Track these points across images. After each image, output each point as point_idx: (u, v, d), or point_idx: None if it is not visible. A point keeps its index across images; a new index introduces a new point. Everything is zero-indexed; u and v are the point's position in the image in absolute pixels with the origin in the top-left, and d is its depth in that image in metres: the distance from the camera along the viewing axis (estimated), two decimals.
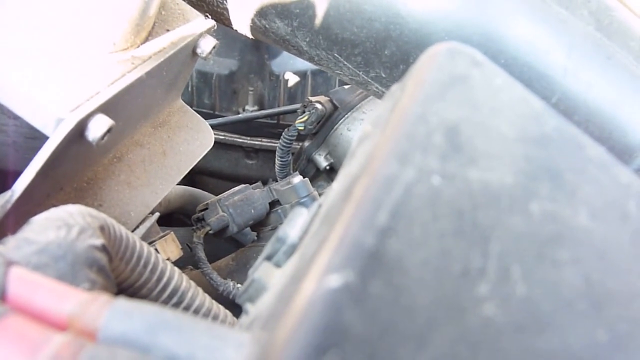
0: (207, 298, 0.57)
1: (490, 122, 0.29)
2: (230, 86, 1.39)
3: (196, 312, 0.54)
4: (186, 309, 0.53)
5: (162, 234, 0.84)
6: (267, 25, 0.75)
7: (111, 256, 0.46)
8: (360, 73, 0.72)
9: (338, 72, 0.75)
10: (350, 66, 0.72)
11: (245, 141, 1.42)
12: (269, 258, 0.38)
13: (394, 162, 0.24)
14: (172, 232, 0.86)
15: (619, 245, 0.28)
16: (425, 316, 0.21)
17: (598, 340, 0.24)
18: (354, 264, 0.21)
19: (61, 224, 0.42)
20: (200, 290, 0.57)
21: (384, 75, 0.70)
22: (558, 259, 0.25)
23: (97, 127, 0.56)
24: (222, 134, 1.41)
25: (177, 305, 0.53)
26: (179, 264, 0.91)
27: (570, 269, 0.25)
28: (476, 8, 0.63)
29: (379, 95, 0.76)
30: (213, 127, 1.31)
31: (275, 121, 1.41)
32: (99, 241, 0.43)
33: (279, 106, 1.40)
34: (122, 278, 0.49)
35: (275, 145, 1.26)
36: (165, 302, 0.52)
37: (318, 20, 0.69)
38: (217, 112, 1.42)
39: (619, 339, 0.24)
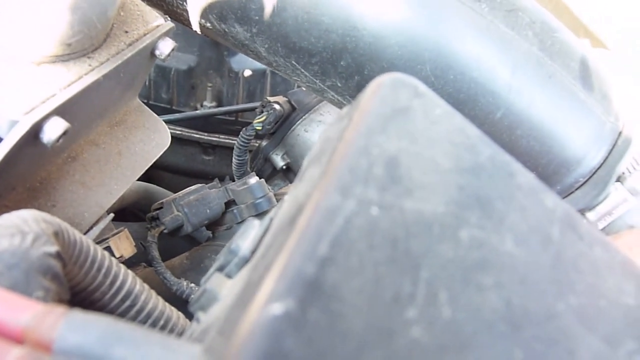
0: (160, 300, 0.58)
1: (428, 153, 0.31)
2: (189, 81, 1.39)
3: (149, 314, 0.55)
4: (139, 312, 0.55)
5: (115, 230, 0.84)
6: (226, 30, 0.76)
7: (65, 262, 0.46)
8: (317, 81, 0.74)
9: (296, 78, 0.77)
10: (307, 74, 0.74)
11: (203, 137, 1.43)
12: (220, 269, 0.40)
13: (336, 194, 0.26)
14: (125, 229, 0.86)
15: (540, 268, 0.31)
16: (358, 340, 0.23)
17: (514, 358, 0.27)
18: (294, 293, 0.23)
19: (15, 232, 0.42)
20: (153, 292, 0.58)
21: (339, 85, 0.72)
22: (482, 283, 0.28)
23: (53, 130, 0.56)
24: (179, 129, 1.41)
25: (130, 308, 0.54)
26: (133, 260, 0.92)
27: (493, 293, 0.28)
28: (429, 25, 0.66)
29: (335, 103, 0.79)
30: (170, 122, 1.31)
31: (233, 118, 1.41)
32: (53, 248, 0.44)
33: (237, 103, 1.41)
34: (75, 282, 0.50)
35: (233, 141, 1.27)
36: (118, 305, 0.53)
37: (277, 29, 0.70)
38: (174, 107, 1.41)
39: (533, 357, 0.27)
